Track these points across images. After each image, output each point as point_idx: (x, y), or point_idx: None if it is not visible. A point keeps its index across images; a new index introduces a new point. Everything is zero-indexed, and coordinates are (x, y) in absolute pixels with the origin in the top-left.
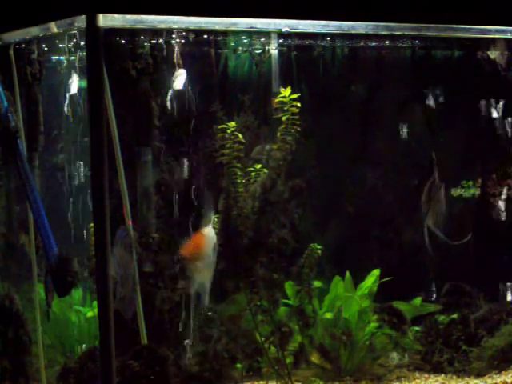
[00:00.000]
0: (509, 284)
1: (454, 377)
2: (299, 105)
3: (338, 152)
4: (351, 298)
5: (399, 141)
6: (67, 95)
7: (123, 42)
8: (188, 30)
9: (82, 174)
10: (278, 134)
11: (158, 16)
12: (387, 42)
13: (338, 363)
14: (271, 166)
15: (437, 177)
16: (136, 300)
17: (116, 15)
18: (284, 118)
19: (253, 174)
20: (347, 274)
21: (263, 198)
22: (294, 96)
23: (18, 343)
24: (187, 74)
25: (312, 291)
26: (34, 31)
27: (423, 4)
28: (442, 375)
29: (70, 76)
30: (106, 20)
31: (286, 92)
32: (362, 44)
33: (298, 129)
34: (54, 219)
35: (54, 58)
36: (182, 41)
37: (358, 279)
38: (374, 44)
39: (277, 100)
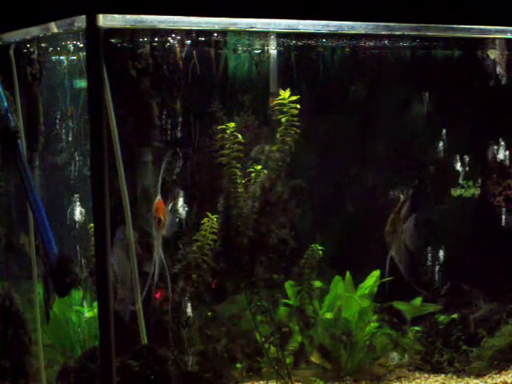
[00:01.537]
0: None
1: (454, 377)
2: (298, 106)
3: (338, 152)
4: (351, 297)
5: (399, 141)
6: (67, 95)
7: (123, 41)
8: (188, 30)
9: (83, 174)
10: (278, 136)
11: (158, 16)
12: (386, 42)
13: (338, 363)
14: (270, 166)
15: (402, 207)
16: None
17: (116, 15)
18: (283, 120)
19: (253, 174)
20: (347, 274)
21: (263, 198)
22: (294, 98)
23: (18, 343)
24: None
25: (313, 291)
26: (34, 31)
27: (423, 4)
28: (442, 375)
29: (69, 76)
30: (106, 20)
31: (285, 94)
32: (362, 44)
33: (298, 130)
34: (54, 219)
35: (54, 58)
36: (182, 41)
37: (358, 279)
38: (373, 44)
39: (275, 102)
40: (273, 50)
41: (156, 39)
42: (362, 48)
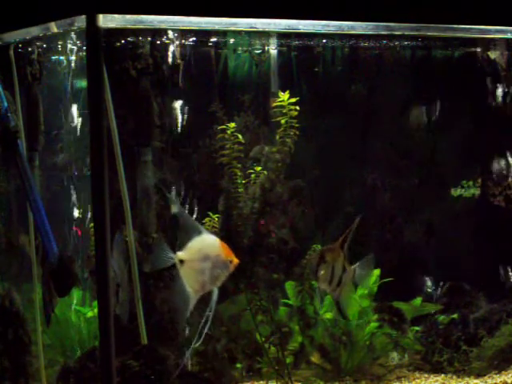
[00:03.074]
0: None
1: (454, 377)
2: (298, 108)
3: (338, 152)
4: (351, 298)
5: (399, 141)
6: (67, 95)
7: (123, 41)
8: (188, 30)
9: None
10: (277, 137)
11: (158, 16)
12: (385, 41)
13: (338, 363)
14: (270, 167)
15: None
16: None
17: (116, 15)
18: (283, 121)
19: (253, 175)
20: None
21: (262, 199)
22: (293, 100)
23: (18, 343)
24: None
25: (313, 292)
26: (34, 31)
27: (423, 4)
28: (442, 375)
29: (69, 76)
30: (105, 20)
31: (284, 96)
32: (362, 44)
33: (297, 132)
34: (54, 219)
35: (53, 58)
36: (182, 41)
37: None
38: (373, 44)
39: (274, 104)
40: (273, 50)
41: (156, 39)
42: (361, 48)
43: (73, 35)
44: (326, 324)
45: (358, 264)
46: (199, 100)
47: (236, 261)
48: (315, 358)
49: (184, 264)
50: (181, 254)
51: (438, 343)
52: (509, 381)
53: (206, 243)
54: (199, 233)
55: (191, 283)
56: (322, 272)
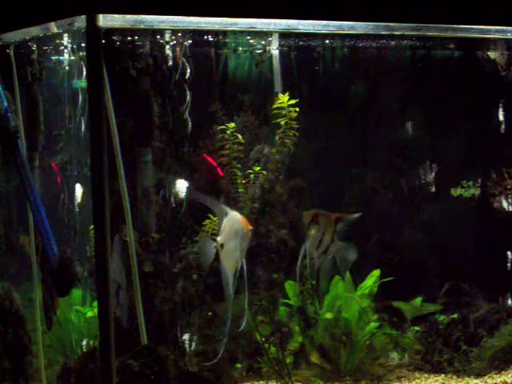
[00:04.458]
0: None
1: (454, 377)
2: (297, 109)
3: (338, 153)
4: (351, 297)
5: (400, 140)
6: (67, 95)
7: (123, 41)
8: (188, 30)
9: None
10: (277, 138)
11: (158, 16)
12: (383, 41)
13: (338, 363)
14: (270, 168)
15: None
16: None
17: (116, 15)
18: (282, 123)
19: (252, 176)
20: (347, 273)
21: (262, 199)
22: (293, 102)
23: (18, 343)
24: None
25: (314, 292)
26: (34, 31)
27: (423, 4)
28: (442, 375)
29: (69, 76)
30: (106, 20)
31: (284, 98)
32: (362, 44)
33: (296, 133)
34: (54, 219)
35: (54, 57)
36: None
37: (358, 279)
38: (374, 44)
39: (274, 106)
40: (274, 50)
41: (156, 39)
42: (361, 48)
43: (73, 35)
44: (326, 324)
45: (345, 244)
46: (199, 100)
47: (251, 227)
48: (315, 358)
49: (223, 247)
50: (219, 239)
51: (438, 343)
52: (509, 381)
53: (233, 221)
54: (226, 213)
55: (229, 263)
56: (313, 232)
